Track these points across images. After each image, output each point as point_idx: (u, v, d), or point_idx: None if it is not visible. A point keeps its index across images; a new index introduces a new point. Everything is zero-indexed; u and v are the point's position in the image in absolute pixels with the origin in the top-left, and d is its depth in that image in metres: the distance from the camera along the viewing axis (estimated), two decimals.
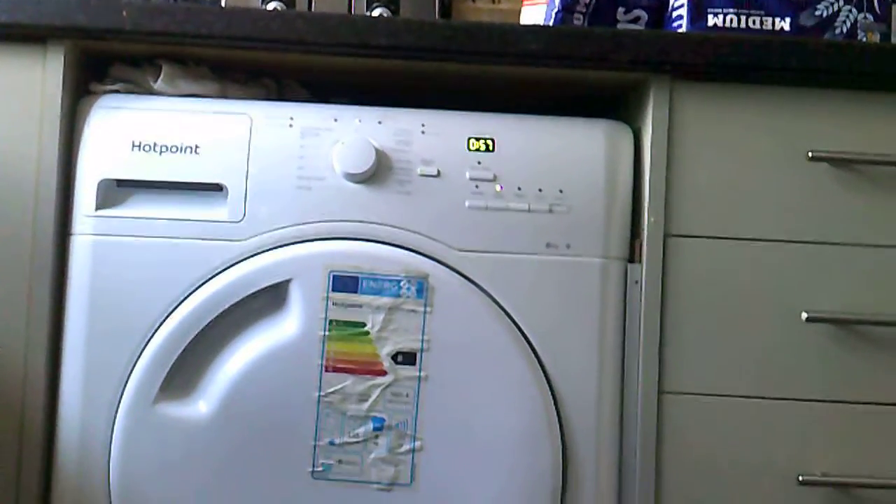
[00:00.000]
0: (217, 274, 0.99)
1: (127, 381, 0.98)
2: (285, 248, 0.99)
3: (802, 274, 1.01)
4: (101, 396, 0.98)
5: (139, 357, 0.98)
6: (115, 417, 0.98)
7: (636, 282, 1.01)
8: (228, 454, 0.97)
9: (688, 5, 1.12)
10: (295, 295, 0.98)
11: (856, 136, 1.02)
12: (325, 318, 0.98)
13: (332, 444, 0.98)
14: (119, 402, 0.98)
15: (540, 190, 1.00)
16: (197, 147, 1.00)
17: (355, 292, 0.98)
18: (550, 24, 1.19)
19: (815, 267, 1.01)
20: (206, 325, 0.98)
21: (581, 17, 1.19)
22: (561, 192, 1.00)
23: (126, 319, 0.98)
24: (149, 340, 0.98)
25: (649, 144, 1.01)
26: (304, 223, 1.00)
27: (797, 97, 1.02)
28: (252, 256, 0.99)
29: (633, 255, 1.02)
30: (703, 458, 1.00)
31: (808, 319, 0.99)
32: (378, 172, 1.00)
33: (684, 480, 1.00)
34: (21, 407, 0.99)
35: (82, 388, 0.98)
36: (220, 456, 0.97)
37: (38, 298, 0.99)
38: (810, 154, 1.00)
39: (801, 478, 0.99)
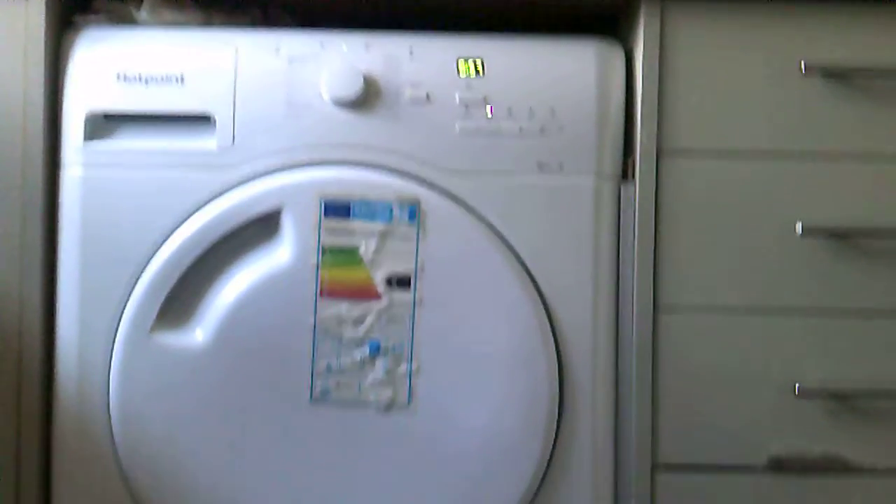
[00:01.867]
0: (208, 204, 0.98)
1: (123, 311, 0.98)
2: (275, 175, 0.99)
3: (797, 187, 1.00)
4: (97, 327, 0.99)
5: (134, 287, 0.98)
6: (112, 348, 0.98)
7: (630, 200, 1.01)
8: (226, 381, 0.98)
9: None
10: (287, 222, 0.98)
11: (849, 47, 1.00)
12: (318, 245, 0.98)
13: (329, 368, 0.98)
14: (116, 332, 0.98)
15: (531, 111, 0.99)
16: (183, 77, 0.99)
17: (347, 218, 0.98)
18: None
19: (810, 180, 1.00)
20: (200, 255, 0.98)
21: None
22: (552, 112, 0.99)
23: (119, 250, 0.98)
24: (143, 270, 0.98)
25: (641, 62, 1.00)
26: (293, 150, 0.99)
27: (789, 10, 1.00)
28: (242, 185, 0.98)
29: (626, 174, 1.02)
30: (700, 373, 1.00)
31: (803, 232, 0.99)
32: (367, 98, 0.99)
33: (681, 395, 1.00)
34: (18, 341, 0.99)
35: (78, 320, 0.99)
36: (219, 383, 0.98)
37: (31, 232, 0.99)
38: (804, 67, 0.99)
39: (798, 388, 0.99)
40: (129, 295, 0.98)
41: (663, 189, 1.00)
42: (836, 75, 0.99)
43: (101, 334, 0.99)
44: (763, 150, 1.00)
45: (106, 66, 0.99)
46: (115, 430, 0.98)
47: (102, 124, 1.00)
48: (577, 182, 0.99)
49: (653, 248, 1.00)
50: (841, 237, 1.00)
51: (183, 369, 0.98)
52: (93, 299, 0.99)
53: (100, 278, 0.99)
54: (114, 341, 0.98)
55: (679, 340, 1.00)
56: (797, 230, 0.99)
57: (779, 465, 1.00)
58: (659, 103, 1.00)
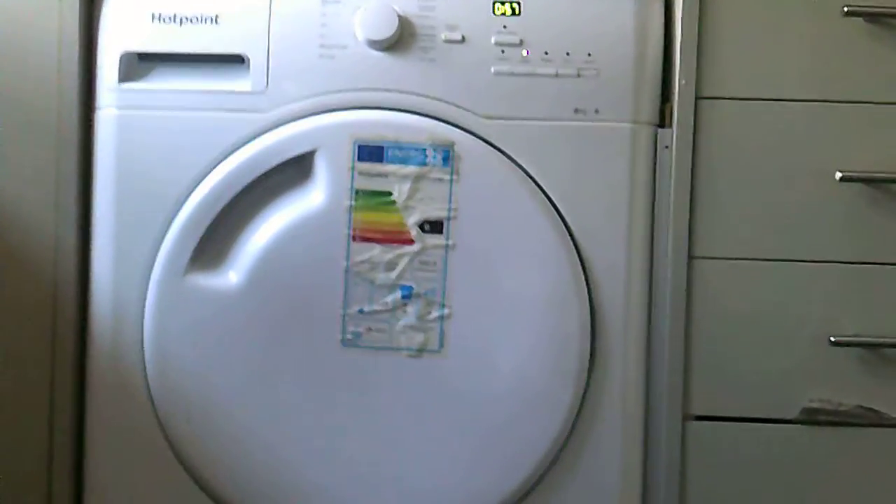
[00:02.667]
0: (242, 146, 0.98)
1: (157, 253, 0.99)
2: (309, 118, 0.98)
3: (836, 134, 0.98)
4: (132, 269, 0.99)
5: (168, 228, 0.98)
6: (146, 288, 0.99)
7: (666, 147, 0.99)
8: (259, 324, 0.98)
9: None
10: (320, 165, 0.98)
11: None
12: (352, 188, 0.98)
13: (360, 312, 0.98)
14: (150, 273, 0.99)
15: (567, 54, 0.98)
16: (217, 17, 0.99)
17: (381, 161, 0.98)
18: None
19: (849, 126, 0.98)
20: (234, 197, 0.98)
21: None
22: (589, 55, 0.98)
23: (153, 192, 0.99)
24: (177, 212, 0.98)
25: (680, 4, 0.98)
26: (327, 93, 0.98)
27: None
28: (276, 128, 0.98)
29: (663, 120, 1.00)
30: (734, 322, 0.99)
31: (841, 179, 0.97)
32: (401, 39, 0.98)
33: (714, 344, 0.99)
34: (53, 282, 1.00)
35: (113, 261, 1.00)
36: (252, 325, 0.98)
37: (66, 174, 1.00)
38: (845, 9, 0.97)
39: (832, 338, 0.98)
40: (164, 236, 0.98)
41: (701, 135, 0.99)
42: (878, 17, 0.97)
43: (135, 275, 0.99)
44: (802, 96, 0.98)
45: (140, 5, 0.99)
46: (148, 369, 0.99)
47: (136, 65, 1.00)
48: (613, 128, 0.98)
49: (689, 194, 0.99)
50: (880, 185, 0.98)
51: (216, 311, 0.98)
52: (127, 240, 0.99)
53: (134, 219, 0.99)
54: (148, 282, 0.99)
55: (713, 289, 0.99)
56: (836, 177, 0.97)
57: (812, 417, 0.99)
58: (698, 47, 0.98)
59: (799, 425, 1.00)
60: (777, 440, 1.00)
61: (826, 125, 0.98)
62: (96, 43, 1.00)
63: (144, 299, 0.99)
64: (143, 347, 0.99)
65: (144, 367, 0.99)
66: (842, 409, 0.99)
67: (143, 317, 0.99)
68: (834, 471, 1.00)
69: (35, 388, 1.00)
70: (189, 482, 1.00)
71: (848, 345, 0.98)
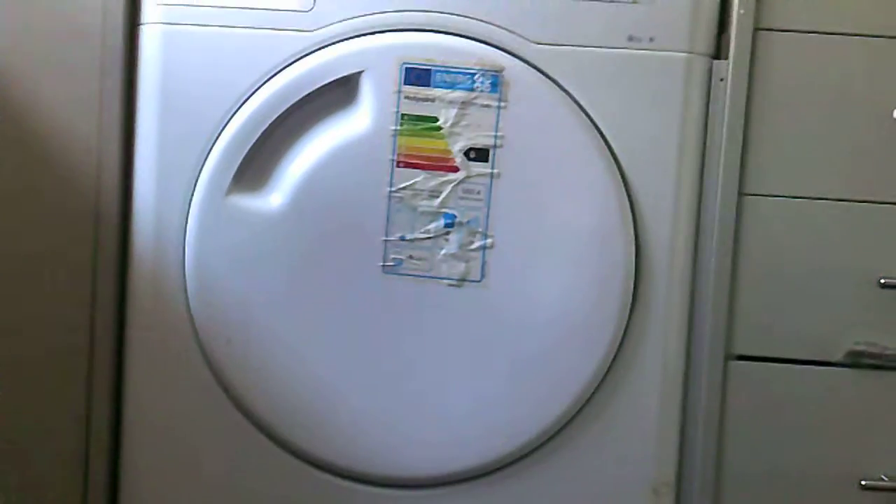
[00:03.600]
0: (288, 65, 0.97)
1: (200, 173, 0.98)
2: (356, 39, 0.96)
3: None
4: (174, 188, 0.99)
5: (211, 149, 0.97)
6: (188, 209, 0.98)
7: (721, 79, 0.97)
8: (301, 247, 0.98)
9: None
10: (366, 88, 0.96)
11: None
12: (397, 112, 0.96)
13: (402, 239, 0.97)
14: (193, 192, 0.98)
15: None
16: None
17: (428, 85, 0.96)
18: None
19: None
20: (278, 118, 0.96)
21: None
22: None
23: (197, 110, 0.98)
24: (221, 132, 0.97)
25: None
26: (374, 13, 0.96)
27: None
28: (323, 48, 0.96)
29: (719, 51, 0.97)
30: (782, 263, 0.98)
31: None
32: None
33: (760, 284, 0.98)
34: (96, 195, 1.00)
35: (156, 180, 0.99)
36: (293, 248, 0.98)
37: (110, 90, 0.99)
38: None
39: (882, 280, 0.96)
40: (207, 156, 0.98)
41: (757, 68, 0.96)
42: None
43: (177, 194, 0.99)
44: (864, 31, 0.95)
45: None
46: (189, 290, 0.99)
47: None
48: (667, 57, 0.96)
49: (742, 130, 0.96)
50: None
51: (258, 233, 0.98)
52: (170, 159, 0.99)
53: (177, 138, 0.98)
54: (190, 202, 0.98)
55: (762, 227, 0.97)
56: (894, 115, 0.95)
57: (857, 360, 0.98)
58: None
59: (842, 368, 0.99)
60: (819, 383, 0.99)
61: (887, 61, 0.95)
62: None
63: (186, 219, 0.99)
64: (184, 268, 0.99)
65: (185, 288, 0.99)
66: (887, 352, 0.98)
67: (184, 237, 0.99)
68: (875, 415, 0.99)
69: (76, 302, 1.01)
70: (227, 402, 1.00)
71: None
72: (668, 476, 1.00)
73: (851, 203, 0.97)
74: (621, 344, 0.98)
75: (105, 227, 1.00)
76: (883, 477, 0.99)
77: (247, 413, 1.00)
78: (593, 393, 0.98)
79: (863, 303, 0.98)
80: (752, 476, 0.99)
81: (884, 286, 0.96)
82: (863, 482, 0.98)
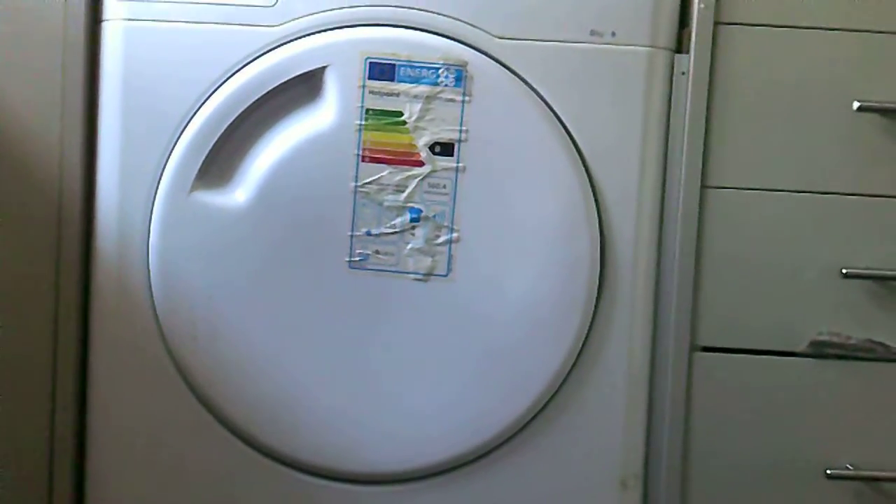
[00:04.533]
0: (251, 61, 0.96)
1: (163, 169, 0.97)
2: (320, 34, 0.96)
3: (856, 63, 0.97)
4: (137, 184, 0.98)
5: (175, 145, 0.97)
6: (152, 205, 0.98)
7: (683, 73, 0.97)
8: (266, 243, 0.97)
9: None
10: (330, 83, 0.96)
11: None
12: (362, 107, 0.96)
13: (368, 234, 0.97)
14: (156, 190, 0.98)
15: None
16: None
17: (392, 80, 0.96)
18: None
19: (869, 56, 0.97)
20: (242, 113, 0.96)
21: None
22: None
23: (160, 107, 0.97)
24: (184, 128, 0.97)
25: None
26: (338, 8, 0.96)
27: None
28: (286, 43, 0.96)
29: (680, 46, 0.98)
30: (745, 254, 0.98)
31: (858, 109, 0.96)
32: None
33: (724, 275, 0.99)
34: (59, 195, 0.99)
35: (119, 176, 0.98)
36: (258, 244, 0.97)
37: (72, 86, 0.98)
38: None
39: (844, 271, 0.97)
40: (170, 152, 0.97)
41: (718, 63, 0.97)
42: None
43: (141, 191, 0.98)
44: (823, 24, 0.97)
45: None
46: (153, 287, 0.98)
47: None
48: (629, 51, 0.96)
49: (704, 123, 0.97)
50: None
51: (222, 229, 0.97)
52: (133, 155, 0.98)
53: (141, 134, 0.98)
54: (154, 199, 0.98)
55: (725, 219, 0.98)
56: (853, 107, 0.96)
57: (820, 350, 0.99)
58: None
59: (806, 358, 0.99)
60: (784, 373, 1.00)
61: (845, 54, 0.97)
62: None
63: (150, 216, 0.98)
64: (148, 264, 0.98)
65: (150, 285, 0.99)
66: (850, 342, 0.99)
67: (148, 234, 0.98)
68: (840, 404, 1.00)
69: (39, 304, 1.00)
70: (194, 401, 0.99)
71: (859, 277, 0.97)
72: (635, 468, 1.00)
73: (813, 194, 0.98)
74: (587, 337, 0.98)
75: (68, 225, 0.99)
76: (848, 466, 1.00)
77: (213, 411, 0.99)
78: (560, 386, 0.98)
79: (826, 293, 0.99)
80: (718, 467, 1.00)
81: (846, 276, 0.97)
82: (828, 471, 0.99)
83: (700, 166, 0.98)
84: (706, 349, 1.00)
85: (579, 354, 0.98)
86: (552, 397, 0.98)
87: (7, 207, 0.99)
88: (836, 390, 0.99)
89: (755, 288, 0.99)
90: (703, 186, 0.98)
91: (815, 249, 0.98)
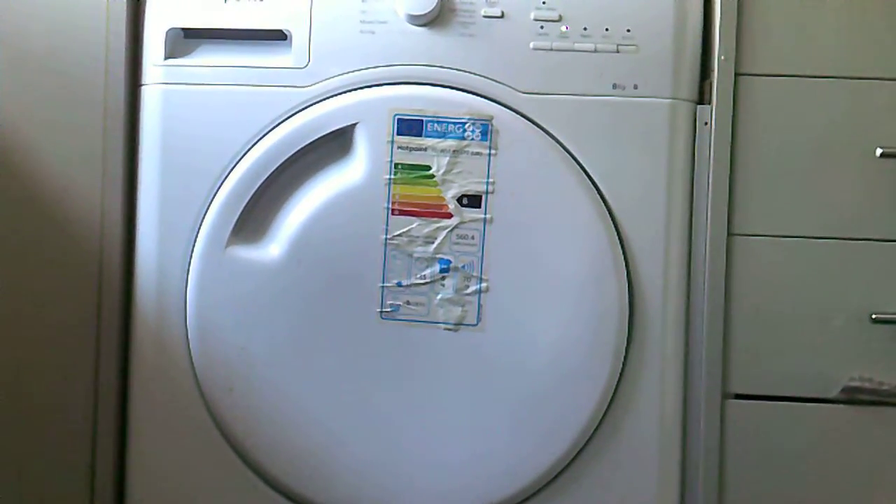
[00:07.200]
0: (284, 120, 1.00)
1: (200, 226, 1.00)
2: (350, 93, 1.00)
3: (878, 111, 0.97)
4: (175, 242, 1.01)
5: (211, 202, 1.00)
6: (189, 261, 1.01)
7: (705, 123, 0.99)
8: (299, 295, 1.00)
9: None
10: (360, 139, 0.99)
11: None
12: (391, 162, 0.99)
13: (399, 285, 0.99)
14: (193, 246, 1.00)
15: (606, 29, 0.98)
16: None
17: (420, 135, 0.99)
18: None
19: (890, 103, 0.97)
20: (275, 171, 0.99)
21: None
22: (628, 31, 0.98)
23: (197, 165, 1.01)
24: (220, 186, 1.00)
25: None
26: (367, 68, 1.00)
27: None
28: (317, 102, 1.00)
29: (702, 97, 1.00)
30: (774, 300, 0.99)
31: (882, 155, 0.96)
32: (441, 14, 0.99)
33: (754, 322, 0.99)
34: (99, 254, 1.03)
35: (158, 234, 1.02)
36: (292, 297, 1.00)
37: (112, 148, 1.02)
38: None
39: (874, 316, 0.97)
40: (207, 209, 1.00)
41: (740, 112, 0.98)
42: None
43: (179, 248, 1.01)
44: (844, 73, 0.98)
45: None
46: (191, 340, 1.01)
47: (181, 41, 1.02)
48: (652, 103, 0.98)
49: (728, 172, 0.99)
50: None
51: (257, 283, 1.00)
52: (171, 213, 1.01)
53: (178, 193, 1.01)
54: (191, 255, 1.01)
55: (753, 266, 0.99)
56: (877, 153, 0.97)
57: (853, 396, 0.98)
58: (738, 24, 0.98)
59: (839, 405, 0.99)
60: (817, 419, 0.99)
61: (868, 102, 0.98)
62: (143, 20, 1.02)
63: (188, 272, 1.01)
64: (186, 319, 1.01)
65: (187, 339, 1.01)
66: (883, 388, 0.98)
67: (186, 289, 1.01)
68: (874, 451, 0.99)
69: (80, 360, 1.02)
70: (229, 451, 1.01)
71: (889, 322, 0.97)
72: None
73: (839, 241, 0.99)
74: (618, 385, 0.99)
75: (108, 281, 1.03)
76: None
77: (248, 461, 1.01)
78: (592, 435, 0.98)
79: (856, 339, 0.99)
80: None
81: (876, 321, 0.97)
82: None
83: (726, 214, 0.99)
84: (738, 396, 1.00)
85: (611, 402, 0.99)
86: (584, 446, 0.99)
87: (49, 264, 1.02)
88: (870, 437, 0.99)
89: (785, 334, 0.99)
90: (730, 234, 0.99)
91: (844, 295, 0.98)
